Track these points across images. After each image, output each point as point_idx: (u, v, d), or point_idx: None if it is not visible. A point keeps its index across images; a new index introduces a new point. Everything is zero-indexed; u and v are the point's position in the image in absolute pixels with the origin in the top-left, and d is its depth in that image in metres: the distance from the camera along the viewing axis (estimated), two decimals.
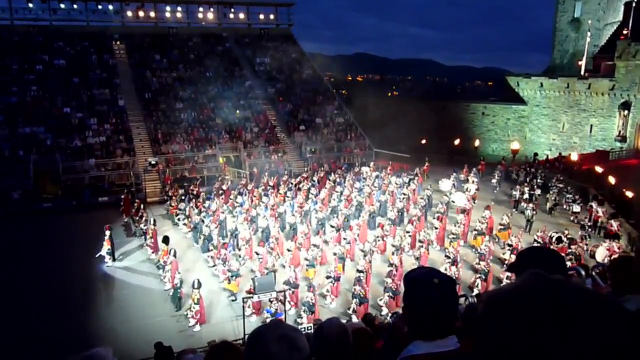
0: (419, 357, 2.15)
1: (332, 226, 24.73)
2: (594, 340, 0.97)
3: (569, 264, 16.03)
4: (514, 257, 15.49)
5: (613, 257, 19.24)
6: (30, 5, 46.24)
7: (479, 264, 20.28)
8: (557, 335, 0.97)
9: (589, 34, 48.83)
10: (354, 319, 15.34)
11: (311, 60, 55.13)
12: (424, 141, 46.54)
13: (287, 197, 29.53)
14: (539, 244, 19.72)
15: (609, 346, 0.97)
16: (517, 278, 1.31)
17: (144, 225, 24.72)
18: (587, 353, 0.96)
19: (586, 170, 34.91)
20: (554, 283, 1.07)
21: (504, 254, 21.71)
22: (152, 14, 50.35)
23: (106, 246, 22.34)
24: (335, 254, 20.57)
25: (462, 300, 13.79)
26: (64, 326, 16.57)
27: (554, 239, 21.77)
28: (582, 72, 48.03)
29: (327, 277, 19.12)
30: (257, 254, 21.07)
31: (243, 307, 16.74)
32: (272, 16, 55.61)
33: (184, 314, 17.68)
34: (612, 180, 29.50)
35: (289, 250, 21.94)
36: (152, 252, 23.14)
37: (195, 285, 17.36)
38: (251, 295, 16.87)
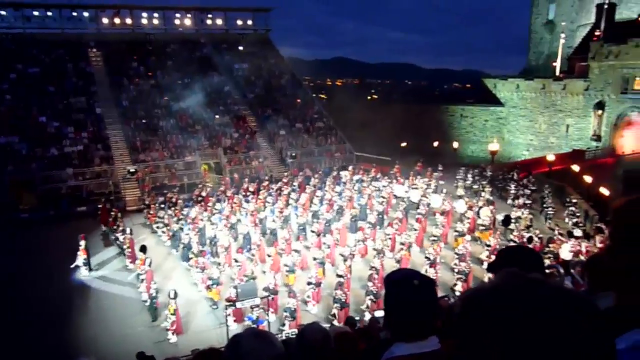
0: (400, 358, 2.16)
1: (312, 231, 24.70)
2: (567, 339, 0.97)
3: (547, 262, 16.19)
4: (493, 257, 15.61)
5: (581, 256, 19.48)
6: (3, 12, 45.36)
7: (458, 264, 20.39)
8: (531, 333, 0.97)
9: (562, 35, 49.44)
10: (336, 324, 15.32)
11: (290, 65, 55.18)
12: (404, 144, 46.79)
13: (268, 202, 29.42)
14: (515, 244, 19.90)
15: (580, 344, 0.98)
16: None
17: (121, 235, 24.46)
18: (559, 351, 0.97)
19: (563, 170, 35.39)
20: (529, 281, 1.07)
21: (482, 254, 21.89)
22: (129, 21, 49.92)
23: (82, 256, 21.98)
24: (315, 259, 20.53)
25: (443, 301, 13.91)
26: (41, 338, 16.28)
27: (525, 239, 22.04)
28: (557, 73, 48.61)
29: (308, 283, 19.06)
30: (236, 260, 20.95)
31: (226, 315, 16.63)
32: (249, 21, 55.47)
33: (161, 324, 17.48)
34: (588, 179, 29.93)
35: (269, 256, 21.86)
36: (130, 262, 22.90)
37: (171, 296, 17.12)
38: (232, 303, 16.76)
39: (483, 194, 30.10)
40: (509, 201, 30.06)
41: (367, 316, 17.20)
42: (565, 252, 20.54)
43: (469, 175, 35.01)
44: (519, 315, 1.00)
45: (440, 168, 35.87)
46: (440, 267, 20.55)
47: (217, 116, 43.26)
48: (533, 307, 1.01)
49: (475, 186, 33.03)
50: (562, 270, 4.08)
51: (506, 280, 1.10)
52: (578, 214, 26.69)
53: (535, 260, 2.72)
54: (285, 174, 37.00)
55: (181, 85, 45.08)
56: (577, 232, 23.26)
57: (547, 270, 4.05)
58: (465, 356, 1.07)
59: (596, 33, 46.44)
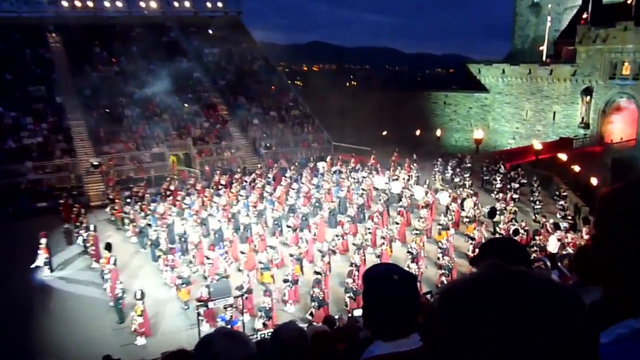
0: (380, 357, 2.17)
1: (288, 226, 24.68)
2: (549, 332, 0.98)
3: (534, 255, 16.41)
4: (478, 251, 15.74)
5: (568, 248, 19.78)
6: None
7: (442, 259, 20.57)
8: (512, 326, 0.98)
9: (549, 18, 49.94)
10: (314, 324, 15.35)
11: (263, 50, 54.89)
12: (385, 132, 46.94)
13: (241, 196, 29.28)
14: (501, 236, 20.13)
15: (562, 338, 0.99)
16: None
17: (84, 232, 24.22)
18: (541, 344, 0.97)
19: (550, 159, 35.77)
20: (511, 274, 1.07)
21: (467, 248, 22.13)
22: (90, 4, 48.99)
23: (43, 255, 21.75)
24: (291, 256, 20.53)
25: (427, 297, 14.02)
26: (1, 342, 16.12)
27: (511, 232, 22.32)
28: (544, 58, 49.15)
29: (285, 281, 19.07)
30: (208, 258, 20.87)
31: (198, 315, 16.57)
32: (219, 4, 54.87)
33: (128, 326, 17.36)
34: (576, 168, 30.29)
35: (243, 253, 21.82)
36: (94, 261, 22.67)
37: (138, 296, 17.00)
38: (204, 303, 16.71)
39: (465, 186, 30.29)
40: (494, 195, 29.81)
41: (347, 315, 17.28)
42: (553, 244, 20.83)
43: (449, 167, 35.15)
44: (499, 307, 1.00)
45: (414, 158, 35.86)
46: (423, 262, 20.71)
47: (185, 104, 42.91)
48: (514, 299, 1.00)
49: (456, 179, 33.06)
50: (549, 264, 4.13)
51: (487, 272, 1.10)
52: (567, 207, 26.88)
53: (520, 253, 2.75)
54: (259, 165, 36.82)
55: (147, 71, 44.54)
56: (565, 224, 23.56)
57: (533, 264, 4.10)
58: (442, 351, 1.07)
59: (583, 16, 46.99)
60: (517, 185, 30.72)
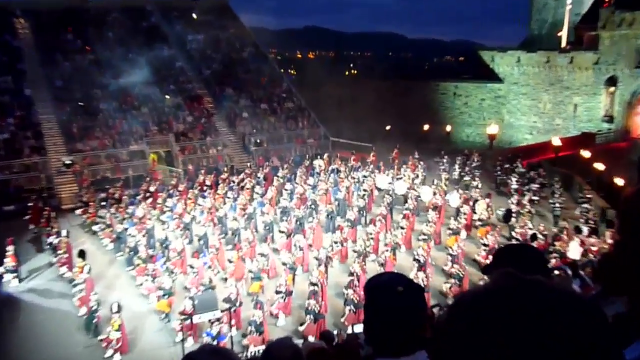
0: None
1: (281, 231, 24.66)
2: (567, 348, 0.97)
3: (553, 262, 16.43)
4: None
5: (591, 255, 19.79)
6: None
7: (452, 267, 20.56)
8: (526, 342, 0.97)
9: (569, 1, 49.98)
10: (310, 339, 15.34)
11: (253, 36, 54.91)
12: (388, 127, 46.97)
13: (228, 198, 29.29)
14: (517, 242, 20.14)
15: (582, 354, 0.98)
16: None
17: (55, 238, 24.17)
18: None
19: (570, 156, 35.77)
20: (527, 283, 1.06)
21: (479, 254, 22.12)
22: None
23: (10, 263, 21.74)
24: (284, 264, 20.50)
25: (435, 310, 14.02)
26: None
27: (528, 237, 22.29)
28: (563, 45, 49.21)
29: (277, 292, 19.05)
30: (192, 267, 20.85)
31: (180, 330, 16.54)
32: None
33: (103, 342, 17.26)
34: (599, 166, 30.26)
35: (230, 262, 21.79)
36: (66, 269, 22.60)
37: (115, 309, 16.97)
38: (188, 316, 16.69)
39: (474, 186, 30.27)
40: (511, 199, 28.74)
41: (347, 330, 17.27)
42: (574, 251, 20.81)
43: (456, 166, 35.14)
44: (513, 321, 1.00)
45: (417, 156, 35.87)
46: (431, 271, 20.69)
47: (167, 97, 42.92)
48: (530, 311, 1.00)
49: (466, 178, 32.99)
50: (570, 272, 4.12)
51: (500, 281, 1.10)
52: (591, 211, 26.47)
53: (537, 260, 2.75)
54: (249, 164, 36.87)
55: (125, 60, 44.46)
56: (587, 228, 23.51)
57: (552, 272, 4.10)
58: None
59: None
60: (536, 187, 30.51)
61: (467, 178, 32.95)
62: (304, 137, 43.28)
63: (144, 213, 26.98)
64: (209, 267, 21.35)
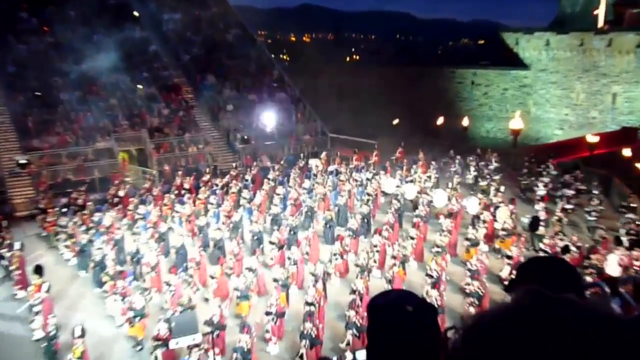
0: None
1: (272, 242, 24.67)
2: None
3: (589, 279, 16.44)
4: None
5: (633, 270, 19.81)
6: None
7: (470, 284, 20.57)
8: None
9: None
10: None
11: (239, 16, 55.07)
12: (396, 122, 47.11)
13: (210, 203, 29.38)
14: (545, 254, 20.15)
15: None
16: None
17: (7, 251, 24.16)
18: None
19: (608, 155, 35.82)
20: (556, 303, 1.04)
21: (501, 270, 22.15)
22: None
23: None
24: (276, 281, 20.51)
25: (450, 333, 14.00)
26: None
27: (559, 249, 22.29)
28: (600, 25, 49.29)
29: (267, 313, 19.08)
30: (168, 284, 20.84)
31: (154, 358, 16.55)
32: None
33: None
34: None
35: (213, 278, 21.80)
36: (19, 288, 22.60)
37: (77, 334, 16.95)
38: (163, 342, 16.68)
39: (493, 191, 30.29)
40: (538, 205, 29.01)
41: (349, 357, 17.29)
42: (613, 265, 20.85)
43: (471, 168, 35.22)
44: (539, 348, 0.97)
45: (420, 156, 36.06)
46: (446, 288, 20.73)
47: (139, 86, 43.05)
48: (559, 337, 0.99)
49: (482, 182, 32.84)
50: (607, 289, 4.09)
51: (523, 300, 1.10)
52: (635, 221, 26.32)
53: (569, 275, 2.71)
54: (234, 164, 36.99)
55: (89, 43, 44.58)
56: (628, 240, 23.50)
57: (587, 290, 4.07)
58: None
59: None
60: (571, 192, 30.37)
61: (483, 183, 32.71)
62: (298, 133, 43.38)
63: (112, 222, 27.05)
64: (188, 284, 21.34)
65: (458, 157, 36.19)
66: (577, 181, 32.14)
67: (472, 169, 35.19)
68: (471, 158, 36.41)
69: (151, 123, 40.52)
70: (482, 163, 35.69)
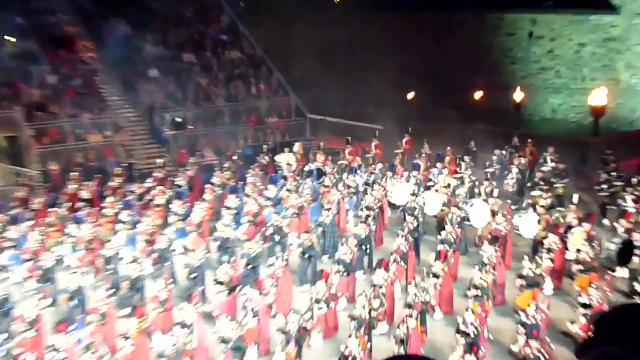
0: None
1: (219, 282, 24.52)
2: None
3: None
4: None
5: None
6: None
7: (526, 344, 20.48)
8: None
9: None
10: None
11: None
12: (411, 95, 47.04)
13: (123, 222, 29.19)
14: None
15: None
16: None
17: None
18: None
19: None
20: None
21: (573, 322, 22.05)
22: None
23: None
24: (224, 342, 20.39)
25: None
26: None
27: None
28: None
29: None
30: (55, 350, 20.67)
31: None
32: None
33: None
34: None
35: (126, 339, 21.66)
36: None
37: None
38: None
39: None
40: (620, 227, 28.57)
41: None
42: None
43: (514, 172, 34.92)
44: None
45: (425, 147, 36.49)
46: (489, 352, 20.63)
47: (10, 39, 42.74)
48: None
49: (535, 192, 32.46)
50: None
51: None
52: None
53: None
54: (160, 161, 36.77)
55: None
56: None
57: None
58: None
59: None
60: None
61: (537, 193, 32.26)
62: (260, 114, 43.28)
63: None
64: (87, 348, 21.18)
65: (497, 152, 35.97)
66: None
67: (514, 170, 35.01)
68: (497, 155, 36.34)
69: (29, 97, 40.28)
70: (525, 160, 35.48)
